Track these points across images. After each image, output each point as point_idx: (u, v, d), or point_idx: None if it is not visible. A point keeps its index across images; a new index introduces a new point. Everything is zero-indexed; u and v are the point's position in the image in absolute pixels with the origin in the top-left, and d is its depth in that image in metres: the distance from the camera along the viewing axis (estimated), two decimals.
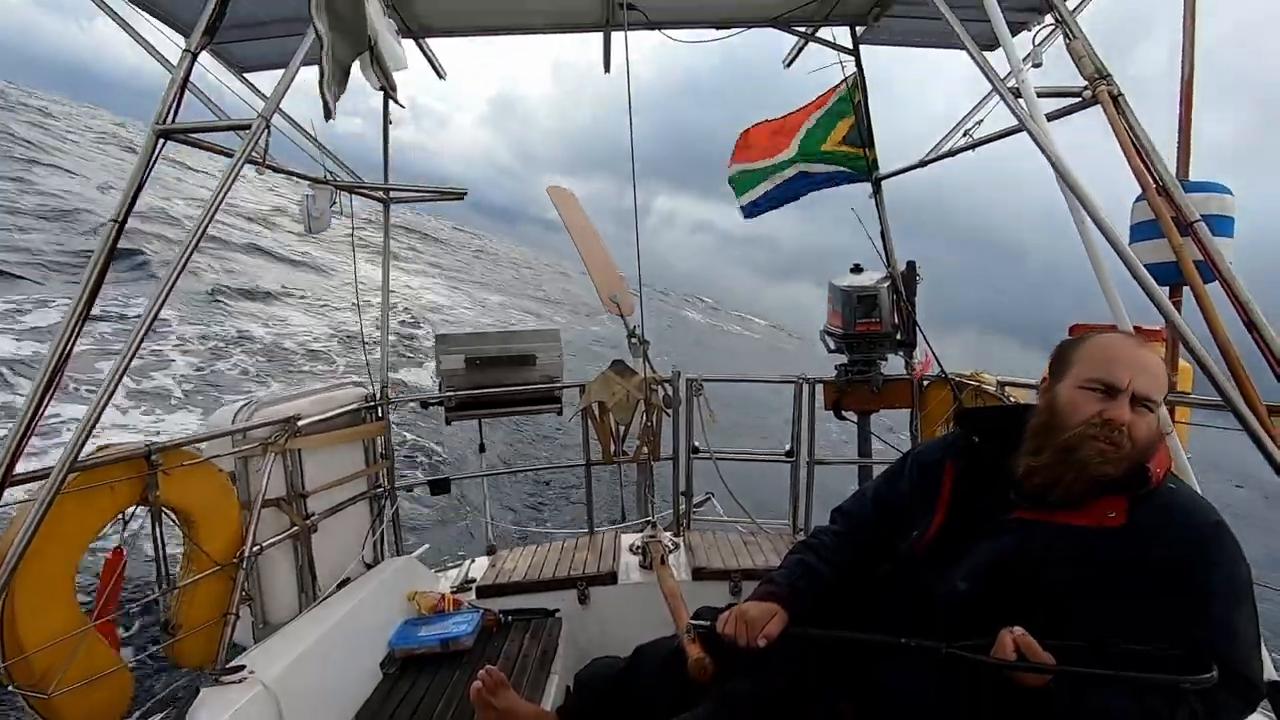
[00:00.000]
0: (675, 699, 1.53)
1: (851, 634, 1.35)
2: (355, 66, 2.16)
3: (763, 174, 3.90)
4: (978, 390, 2.99)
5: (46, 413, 1.56)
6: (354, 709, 2.15)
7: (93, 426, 1.57)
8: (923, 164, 3.29)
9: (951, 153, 3.01)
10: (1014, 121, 1.98)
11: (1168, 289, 1.83)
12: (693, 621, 1.57)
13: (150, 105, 1.92)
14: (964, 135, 2.90)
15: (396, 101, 2.73)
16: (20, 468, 1.55)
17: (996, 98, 2.06)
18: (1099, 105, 1.89)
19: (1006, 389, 2.84)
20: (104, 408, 1.58)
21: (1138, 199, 1.99)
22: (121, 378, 1.60)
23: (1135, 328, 1.88)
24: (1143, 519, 1.22)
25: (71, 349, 1.61)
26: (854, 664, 1.38)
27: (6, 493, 1.52)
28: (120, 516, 1.93)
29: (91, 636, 1.76)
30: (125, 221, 1.76)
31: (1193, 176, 2.22)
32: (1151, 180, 1.81)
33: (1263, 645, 1.26)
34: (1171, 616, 1.16)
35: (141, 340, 1.70)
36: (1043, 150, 1.86)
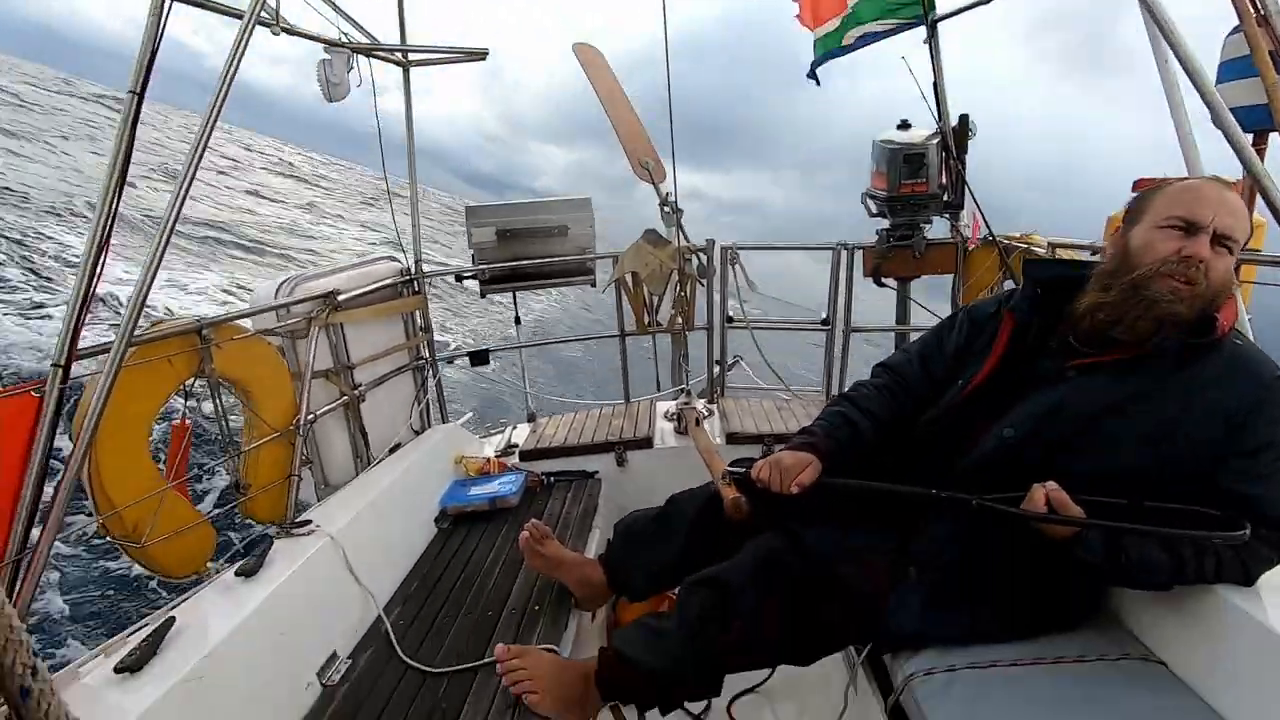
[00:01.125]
0: (710, 541, 1.61)
1: (882, 485, 1.37)
2: None
3: (838, 33, 3.57)
4: (1027, 253, 2.86)
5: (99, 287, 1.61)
6: (413, 558, 2.34)
7: (143, 301, 1.61)
8: (985, 0, 2.96)
9: None
10: None
11: (1252, 136, 1.67)
12: (728, 468, 1.61)
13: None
14: None
15: None
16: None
17: None
18: None
19: (1058, 252, 2.71)
20: (151, 282, 1.61)
21: (1232, 31, 1.77)
22: (165, 249, 1.63)
23: (1213, 178, 1.74)
24: (1206, 368, 1.20)
25: (114, 217, 1.62)
26: (892, 515, 1.42)
27: (74, 367, 1.60)
28: (183, 388, 2.03)
29: (171, 495, 1.91)
30: (143, 93, 1.71)
31: None
32: (1252, 8, 1.60)
33: None
34: (1221, 465, 1.17)
35: (180, 209, 1.70)
36: None
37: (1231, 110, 1.59)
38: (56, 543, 1.49)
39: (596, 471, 2.93)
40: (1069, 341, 1.32)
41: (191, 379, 2.04)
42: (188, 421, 2.08)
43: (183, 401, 2.06)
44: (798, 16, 3.67)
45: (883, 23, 3.43)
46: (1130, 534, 1.14)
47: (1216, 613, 1.21)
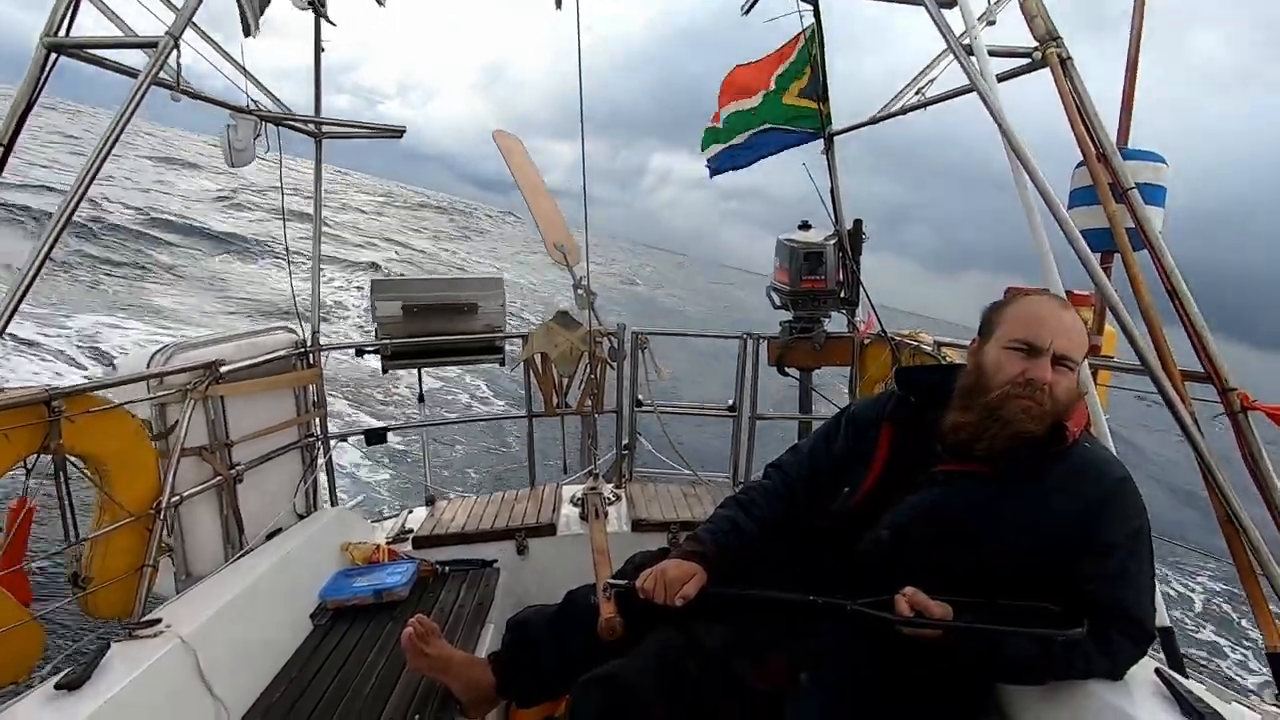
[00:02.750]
0: (598, 647, 1.54)
1: (764, 593, 1.40)
2: None
3: (729, 129, 3.80)
4: (915, 349, 3.06)
5: None
6: (281, 661, 2.11)
7: None
8: (874, 121, 3.27)
9: (904, 110, 2.99)
10: (966, 81, 1.97)
11: (1100, 256, 1.88)
12: (610, 581, 1.59)
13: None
14: (916, 93, 2.88)
15: (327, 19, 2.53)
16: None
17: (950, 56, 2.04)
18: (1048, 68, 1.89)
19: (943, 348, 2.91)
20: None
21: (1078, 165, 2.02)
22: (9, 321, 1.47)
23: (1068, 292, 1.93)
24: (1056, 474, 1.30)
25: None
26: (787, 618, 1.42)
27: None
28: (23, 465, 1.80)
29: None
30: (11, 146, 1.59)
31: (1133, 135, 2.26)
32: (1093, 146, 1.84)
33: (1156, 592, 1.35)
34: (1075, 565, 1.25)
35: (33, 278, 1.56)
36: (990, 111, 1.86)
37: (1081, 232, 1.80)
38: None
39: (495, 560, 2.79)
40: (937, 449, 1.40)
41: (35, 455, 1.82)
42: (30, 502, 1.83)
43: (25, 478, 1.82)
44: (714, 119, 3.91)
45: (783, 127, 3.71)
46: (985, 634, 1.19)
47: (1090, 707, 1.26)
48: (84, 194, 1.61)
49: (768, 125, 3.73)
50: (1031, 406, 1.27)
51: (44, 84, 1.72)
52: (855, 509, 1.45)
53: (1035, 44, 1.93)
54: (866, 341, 3.51)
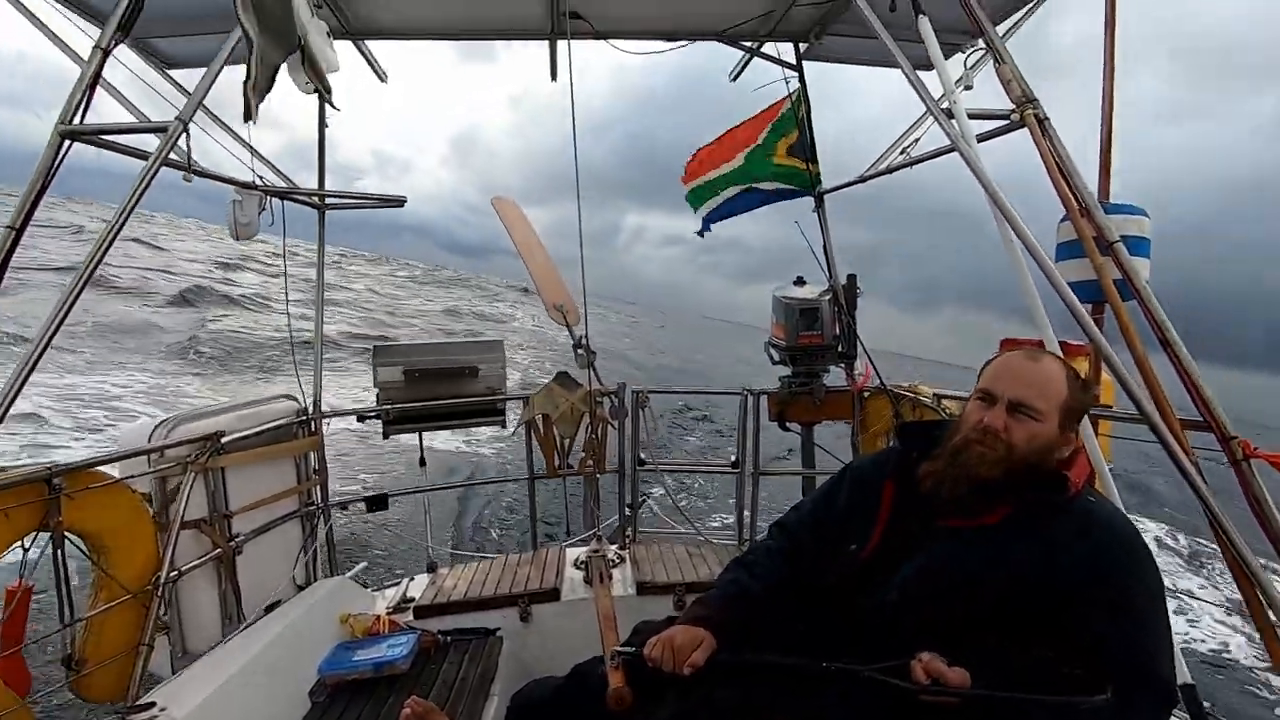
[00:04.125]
0: None
1: (775, 659, 1.37)
2: (284, 68, 2.07)
3: (713, 187, 3.92)
4: (914, 402, 3.07)
5: None
6: None
7: None
8: (862, 180, 3.37)
9: (890, 169, 3.08)
10: (948, 141, 2.04)
11: (1090, 306, 1.91)
12: (617, 649, 1.56)
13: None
14: (901, 153, 2.98)
15: (330, 104, 2.63)
16: None
17: (930, 118, 2.12)
18: (1025, 128, 1.96)
19: (942, 400, 2.91)
20: None
21: (1063, 219, 2.07)
22: (16, 397, 1.49)
23: (1062, 343, 1.96)
24: (1062, 528, 1.28)
25: None
26: (797, 682, 1.38)
27: None
28: (21, 544, 1.79)
29: None
30: (23, 229, 1.64)
31: (1115, 172, 2.31)
32: (1075, 202, 1.89)
33: (1175, 651, 1.32)
34: (1087, 622, 1.21)
35: (41, 353, 1.59)
36: (973, 170, 1.92)
37: (1070, 284, 1.83)
38: None
39: (498, 629, 2.72)
40: (937, 504, 1.39)
41: (34, 534, 1.80)
42: (22, 581, 1.81)
43: (22, 557, 1.80)
44: (683, 179, 4.03)
45: (772, 184, 3.82)
46: (1012, 702, 1.15)
47: None
48: (95, 269, 1.65)
49: (753, 186, 3.85)
50: (986, 452, 1.30)
51: (57, 170, 1.78)
52: (861, 567, 1.43)
53: (1013, 106, 2.01)
54: (866, 394, 3.52)
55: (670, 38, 3.34)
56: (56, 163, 1.72)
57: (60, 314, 1.61)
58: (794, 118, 3.64)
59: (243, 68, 1.88)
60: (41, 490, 1.77)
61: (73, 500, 1.83)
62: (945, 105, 2.08)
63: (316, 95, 2.65)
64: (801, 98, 3.61)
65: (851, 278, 3.57)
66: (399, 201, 3.25)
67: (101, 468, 2.01)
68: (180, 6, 2.56)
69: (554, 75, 3.43)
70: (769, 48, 3.51)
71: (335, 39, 2.39)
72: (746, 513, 3.56)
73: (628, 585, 2.98)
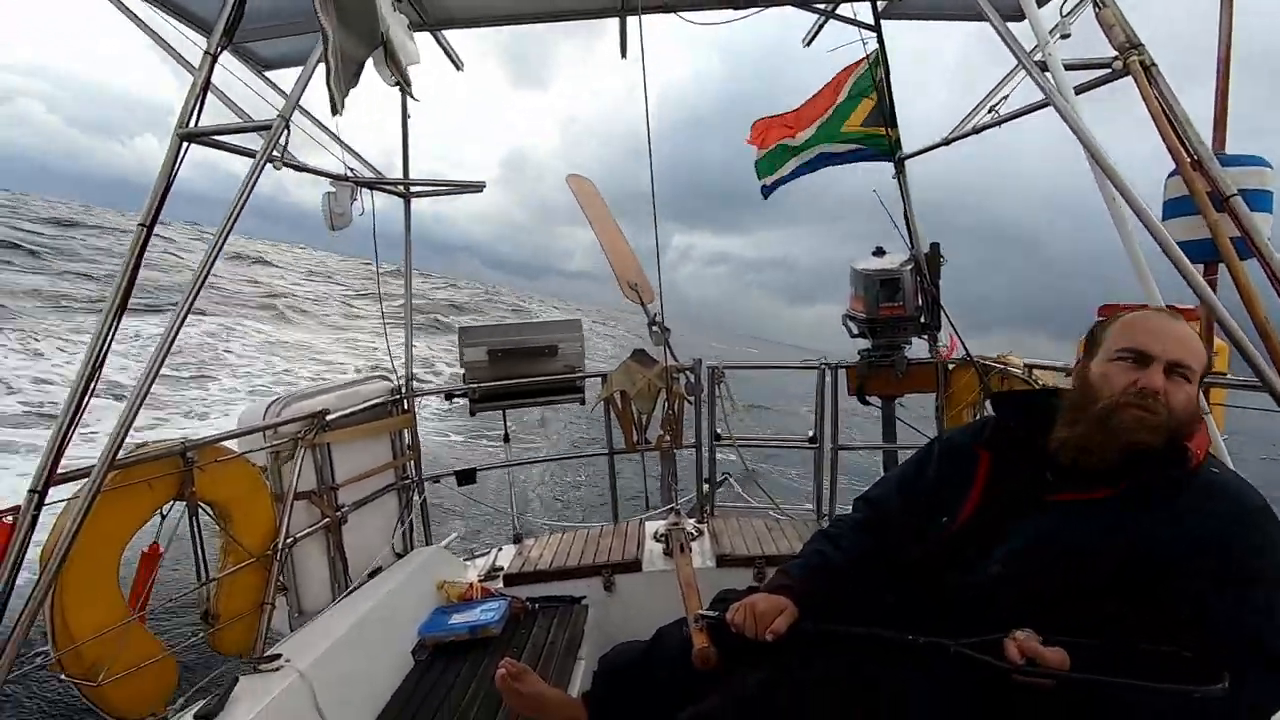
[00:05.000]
0: (690, 683, 1.54)
1: (859, 630, 1.33)
2: (369, 62, 2.17)
3: (783, 156, 3.85)
4: (1004, 373, 2.94)
5: (85, 415, 1.61)
6: (386, 695, 2.20)
7: (129, 426, 1.61)
8: (946, 142, 3.22)
9: (976, 130, 2.94)
10: (1040, 96, 1.93)
11: (1202, 267, 1.78)
12: (701, 612, 1.57)
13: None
14: (989, 112, 2.83)
15: (412, 96, 2.73)
16: (62, 468, 1.61)
17: (1022, 72, 2.00)
18: (1129, 77, 1.83)
19: (1033, 371, 2.78)
20: (139, 408, 1.62)
21: (1171, 174, 1.93)
22: (154, 379, 1.65)
23: (1169, 307, 1.83)
24: (1185, 500, 1.19)
25: (106, 351, 1.65)
26: (879, 657, 1.37)
27: (51, 491, 1.57)
28: (160, 512, 1.99)
29: (136, 627, 1.82)
30: (153, 226, 1.80)
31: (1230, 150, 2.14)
32: (1186, 154, 1.76)
33: None
34: (1210, 600, 1.13)
35: (173, 341, 1.74)
36: (1070, 126, 1.81)
37: (1179, 244, 1.71)
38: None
39: (584, 597, 2.83)
40: (1046, 476, 1.33)
41: (170, 503, 2.00)
42: (159, 545, 2.01)
43: (159, 524, 2.01)
44: (749, 141, 3.96)
45: (846, 145, 3.71)
46: (1116, 686, 1.07)
47: None
48: (213, 265, 1.80)
49: (822, 150, 3.75)
50: (1145, 416, 1.19)
51: (178, 170, 1.94)
52: (952, 540, 1.39)
53: (1115, 54, 1.88)
54: (951, 366, 3.40)
55: (743, 5, 3.26)
56: (177, 164, 1.87)
57: (183, 312, 1.76)
58: (870, 81, 3.51)
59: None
60: (177, 464, 1.96)
61: (203, 472, 2.02)
62: (1038, 58, 1.96)
63: (398, 89, 2.76)
64: (880, 60, 3.47)
65: (935, 246, 3.44)
66: (478, 187, 3.36)
67: (225, 443, 2.20)
68: (273, 10, 2.70)
69: (624, 52, 3.42)
70: (844, 9, 3.39)
71: (415, 31, 2.48)
72: (826, 488, 3.53)
73: (707, 558, 3.02)
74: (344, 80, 2.03)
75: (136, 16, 2.34)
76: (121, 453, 1.68)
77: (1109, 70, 1.91)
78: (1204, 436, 1.28)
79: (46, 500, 1.52)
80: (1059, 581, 1.22)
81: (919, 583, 1.41)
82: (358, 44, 2.08)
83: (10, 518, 1.46)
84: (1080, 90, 1.99)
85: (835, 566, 1.51)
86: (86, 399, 1.60)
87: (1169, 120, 1.77)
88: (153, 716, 1.87)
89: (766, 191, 4.02)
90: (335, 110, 2.05)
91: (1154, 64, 1.82)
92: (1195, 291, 1.68)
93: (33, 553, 1.49)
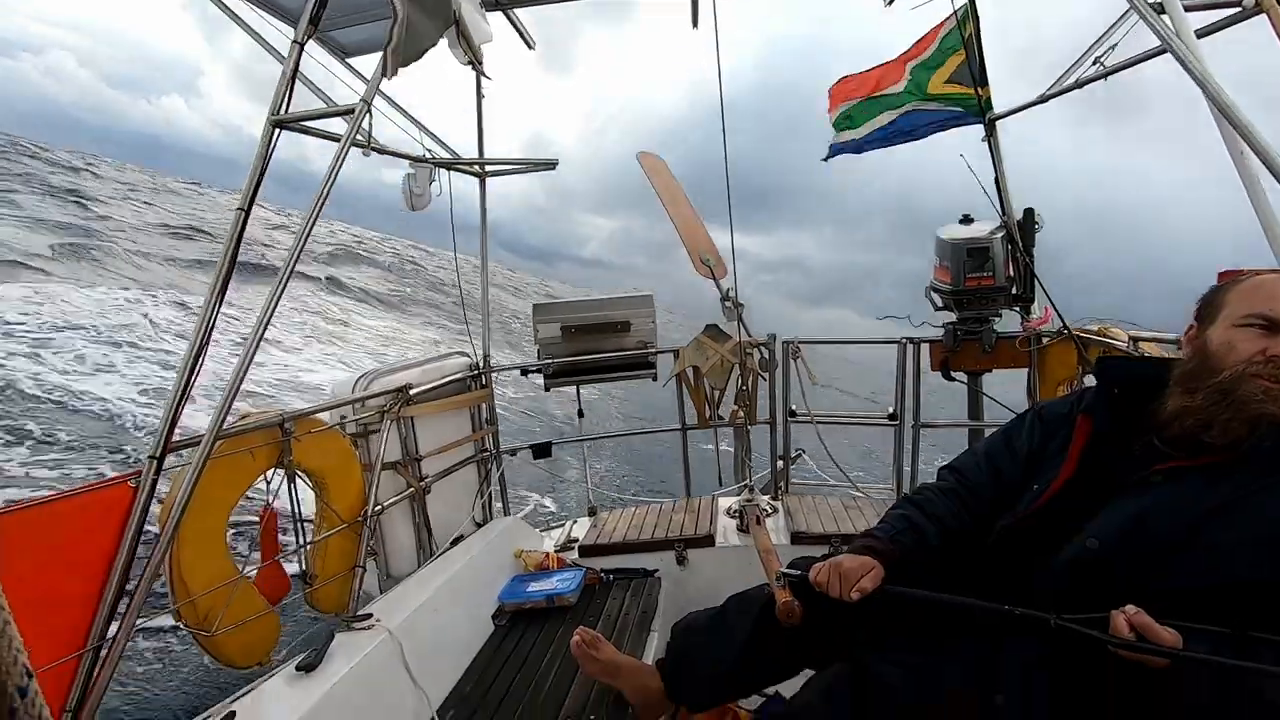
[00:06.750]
0: (771, 647, 1.52)
1: (951, 598, 1.26)
2: (443, 42, 2.20)
3: (870, 110, 3.66)
4: (1105, 347, 2.74)
5: (196, 387, 1.74)
6: (469, 657, 2.30)
7: (233, 399, 1.72)
8: (1044, 99, 3.00)
9: (1079, 84, 2.72)
10: (1154, 44, 1.76)
11: None
12: (783, 570, 1.54)
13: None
14: (1095, 63, 2.60)
15: (485, 75, 2.77)
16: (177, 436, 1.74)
17: (1134, 16, 1.83)
18: (1263, 14, 1.64)
19: (1140, 345, 2.58)
20: (242, 380, 1.73)
21: None
22: (256, 351, 1.75)
23: None
24: None
25: (212, 329, 1.77)
26: (970, 632, 1.31)
27: (167, 459, 1.71)
28: (264, 478, 2.13)
29: (244, 584, 1.97)
30: (250, 209, 1.90)
31: None
32: None
33: None
34: None
35: (268, 321, 1.85)
36: (1191, 74, 1.64)
37: None
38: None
39: (656, 570, 2.86)
40: (1153, 445, 1.23)
41: (270, 470, 2.14)
42: (270, 508, 2.16)
43: (266, 489, 2.15)
44: (829, 109, 3.79)
45: (932, 104, 3.50)
46: (1235, 669, 0.98)
47: None
48: (304, 245, 1.89)
49: (912, 107, 3.54)
50: (1274, 387, 1.09)
51: (271, 155, 2.04)
52: (1043, 511, 1.31)
53: None
54: (1045, 339, 3.20)
55: None
56: (270, 149, 1.96)
57: (278, 292, 1.86)
58: (960, 37, 3.30)
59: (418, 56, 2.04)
60: (276, 434, 2.09)
61: (299, 442, 2.15)
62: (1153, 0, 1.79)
63: (471, 68, 2.80)
64: (970, 14, 3.26)
65: (1028, 211, 3.23)
66: (551, 164, 3.38)
67: (318, 415, 2.33)
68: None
69: (695, 22, 3.35)
70: None
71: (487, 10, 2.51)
72: (906, 468, 3.42)
73: (781, 535, 2.99)
74: (402, 54, 2.06)
75: (227, 7, 2.46)
76: (227, 423, 1.80)
77: (1238, 9, 1.72)
78: None
79: (164, 466, 1.65)
80: (1163, 558, 1.13)
81: (1007, 555, 1.34)
82: (430, 23, 2.12)
83: (133, 481, 1.60)
84: (1202, 34, 1.80)
85: (923, 531, 1.42)
86: (195, 374, 1.72)
87: None
88: (259, 665, 2.02)
89: (833, 151, 3.84)
90: (386, 73, 2.08)
91: None
92: None
93: (152, 516, 1.63)
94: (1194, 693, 1.03)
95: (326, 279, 25.86)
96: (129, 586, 1.56)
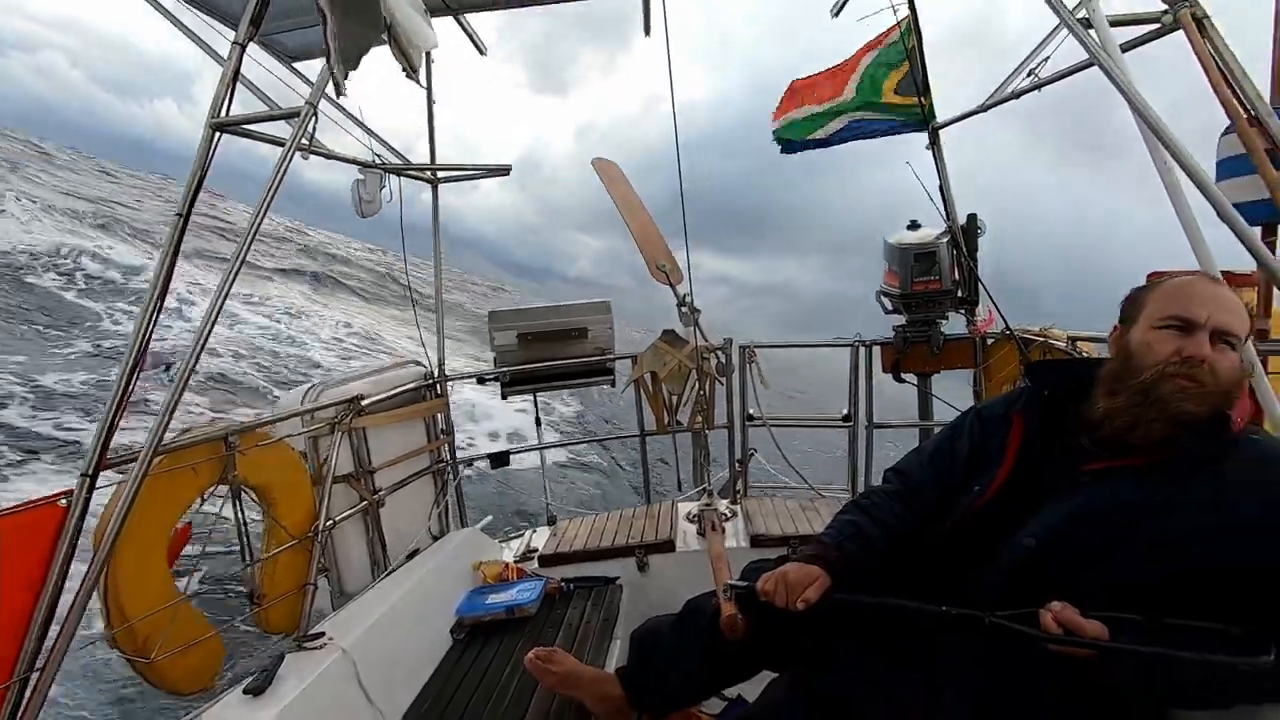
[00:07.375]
0: (730, 653, 1.54)
1: (891, 601, 1.30)
2: (385, 48, 2.16)
3: (811, 123, 3.75)
4: (1045, 347, 2.86)
5: (130, 400, 1.66)
6: (426, 673, 2.24)
7: (173, 411, 1.65)
8: (983, 109, 3.12)
9: (1015, 95, 2.83)
10: (1083, 56, 1.85)
11: (1259, 229, 1.69)
12: (731, 582, 1.56)
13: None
14: (1028, 75, 2.72)
15: (417, 82, 2.71)
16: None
17: (1064, 31, 1.92)
18: (1180, 31, 1.74)
19: (1078, 344, 2.70)
20: (181, 393, 1.66)
21: (1224, 132, 1.83)
22: (195, 364, 1.68)
23: (1223, 273, 1.75)
24: (1232, 469, 1.15)
25: (149, 338, 1.69)
26: (915, 633, 1.35)
27: (100, 475, 1.62)
28: (200, 496, 2.04)
29: (185, 606, 1.88)
30: (189, 215, 1.83)
31: None
32: (1242, 110, 1.67)
33: None
34: (1261, 575, 1.09)
35: (211, 328, 1.78)
36: (1117, 85, 1.72)
37: (1235, 206, 1.63)
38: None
39: (618, 578, 2.84)
40: (1082, 445, 1.29)
41: (213, 486, 2.06)
42: (189, 525, 2.05)
43: (199, 506, 2.06)
44: (776, 114, 3.86)
45: (875, 113, 3.60)
46: (1158, 658, 1.04)
47: None
48: (247, 252, 1.82)
49: (861, 116, 3.64)
50: (1190, 386, 1.14)
51: (211, 159, 1.97)
52: (983, 511, 1.36)
53: (1164, 7, 1.78)
54: (989, 341, 3.31)
55: None
56: (210, 154, 1.90)
57: (222, 293, 1.79)
58: (902, 49, 3.41)
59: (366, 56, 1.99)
60: (220, 448, 2.01)
61: (245, 456, 2.07)
62: (1081, 15, 1.88)
63: (406, 76, 2.76)
64: (911, 26, 3.37)
65: (971, 217, 3.35)
66: (504, 170, 3.35)
67: (265, 428, 2.25)
68: (297, 3, 2.71)
69: (647, 30, 3.37)
70: None
71: (435, 16, 2.47)
72: (860, 467, 3.49)
73: (740, 538, 3.01)
74: (343, 64, 2.02)
75: (166, 10, 2.38)
76: (167, 437, 1.73)
77: (1158, 25, 1.82)
78: (1245, 403, 1.23)
79: (98, 485, 1.57)
80: (1093, 556, 1.19)
81: (950, 555, 1.38)
82: (362, 30, 2.06)
83: (64, 501, 1.51)
84: (1126, 48, 1.90)
85: (869, 536, 1.46)
86: (131, 386, 1.64)
87: (1223, 75, 1.69)
88: (203, 691, 1.93)
89: (785, 148, 3.90)
90: (339, 92, 2.04)
91: (1206, 15, 1.73)
92: (1254, 255, 1.60)
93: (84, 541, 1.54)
94: (1119, 675, 1.11)
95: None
96: (60, 614, 1.47)
